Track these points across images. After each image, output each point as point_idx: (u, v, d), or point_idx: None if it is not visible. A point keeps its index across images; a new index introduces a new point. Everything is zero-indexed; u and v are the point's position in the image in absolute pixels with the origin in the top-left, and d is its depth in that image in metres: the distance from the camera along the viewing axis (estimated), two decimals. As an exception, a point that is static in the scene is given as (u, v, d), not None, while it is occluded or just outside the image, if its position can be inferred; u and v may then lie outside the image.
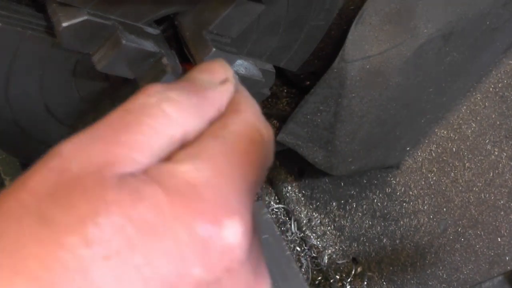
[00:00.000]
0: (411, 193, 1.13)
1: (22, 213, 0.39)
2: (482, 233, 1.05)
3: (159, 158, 0.44)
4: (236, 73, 0.74)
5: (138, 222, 0.39)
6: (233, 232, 0.41)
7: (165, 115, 0.45)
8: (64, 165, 0.41)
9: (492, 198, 1.05)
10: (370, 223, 1.17)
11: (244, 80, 0.74)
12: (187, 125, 0.46)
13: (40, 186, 0.40)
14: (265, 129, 0.49)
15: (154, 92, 0.46)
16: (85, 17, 0.61)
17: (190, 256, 0.40)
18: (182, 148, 0.45)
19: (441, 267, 1.09)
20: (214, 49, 0.67)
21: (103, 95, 0.74)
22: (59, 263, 0.37)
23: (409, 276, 1.13)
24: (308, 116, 1.01)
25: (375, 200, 1.16)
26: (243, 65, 0.76)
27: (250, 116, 0.48)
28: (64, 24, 0.60)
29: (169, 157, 0.44)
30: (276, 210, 1.21)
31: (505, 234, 1.03)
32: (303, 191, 1.25)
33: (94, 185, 0.40)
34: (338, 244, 1.22)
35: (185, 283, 0.40)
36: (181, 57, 0.70)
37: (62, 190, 0.40)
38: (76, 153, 0.42)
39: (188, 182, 0.42)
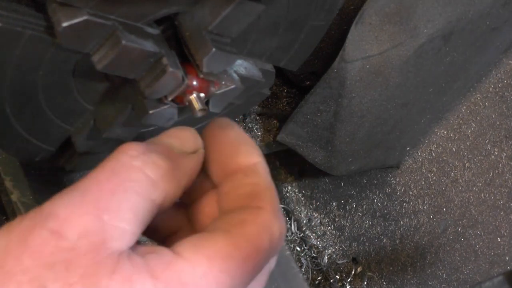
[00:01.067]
0: (411, 193, 1.13)
1: (22, 278, 0.41)
2: (482, 233, 1.05)
3: (143, 224, 0.45)
4: (236, 73, 0.73)
5: None
6: None
7: (149, 180, 0.46)
8: (61, 231, 0.42)
9: (492, 198, 1.05)
10: (370, 223, 1.17)
11: (244, 80, 0.74)
12: (167, 191, 0.47)
13: (39, 251, 0.42)
14: (278, 229, 0.49)
15: (136, 153, 0.47)
16: (85, 17, 0.61)
17: None
18: (188, 235, 0.46)
19: (441, 267, 1.09)
20: (214, 49, 0.67)
21: (103, 95, 0.74)
22: None
23: (409, 276, 1.13)
24: (308, 116, 1.01)
25: (375, 200, 1.16)
26: (243, 65, 0.76)
27: (269, 216, 0.48)
28: (64, 24, 0.60)
29: (171, 242, 0.46)
30: (276, 210, 1.21)
31: (505, 234, 1.03)
32: (303, 191, 1.25)
33: (90, 263, 0.42)
34: (338, 244, 1.22)
35: None
36: (181, 57, 0.70)
37: (61, 261, 0.42)
38: (71, 218, 0.43)
39: (179, 280, 0.43)
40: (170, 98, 0.68)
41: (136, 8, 0.65)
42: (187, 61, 0.69)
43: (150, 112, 0.69)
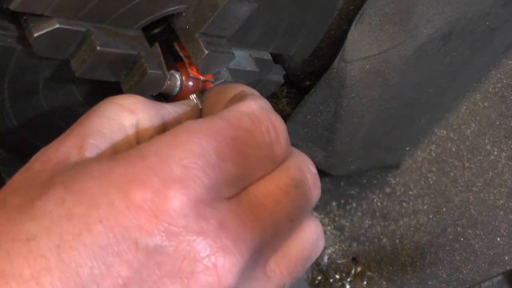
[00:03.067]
0: (411, 193, 1.13)
1: None
2: (481, 233, 1.05)
3: (114, 143, 0.47)
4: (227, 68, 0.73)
5: (78, 193, 0.42)
6: (169, 199, 0.42)
7: (115, 105, 0.48)
8: (29, 166, 0.47)
9: (492, 198, 1.05)
10: (370, 223, 1.17)
11: (234, 73, 0.73)
12: (139, 113, 0.49)
13: (9, 185, 0.46)
14: (267, 117, 0.48)
15: (114, 95, 0.50)
16: (56, 26, 0.61)
17: (126, 222, 0.41)
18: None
19: (440, 267, 1.09)
20: (206, 52, 0.67)
21: (103, 95, 0.74)
22: (8, 237, 0.41)
23: (409, 276, 1.13)
24: (308, 116, 1.01)
25: (375, 200, 1.17)
26: (235, 61, 0.75)
27: (248, 102, 0.48)
28: (36, 34, 0.61)
29: None
30: (276, 210, 1.21)
31: (505, 234, 1.03)
32: (303, 191, 1.24)
33: (48, 175, 0.44)
34: (338, 244, 1.22)
35: (124, 248, 0.41)
36: (175, 57, 0.70)
37: (24, 183, 0.45)
38: (39, 155, 0.47)
39: (137, 152, 0.44)
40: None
41: (124, 15, 0.65)
42: (180, 61, 0.70)
43: None
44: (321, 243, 0.51)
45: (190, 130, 0.44)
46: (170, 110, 0.52)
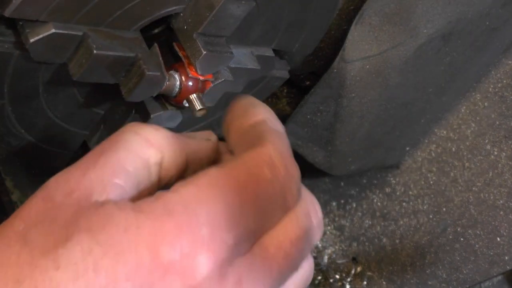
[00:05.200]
0: (410, 193, 1.13)
1: (12, 237, 0.43)
2: (481, 232, 1.05)
3: (137, 182, 0.46)
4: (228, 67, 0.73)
5: (105, 246, 0.41)
6: (197, 264, 0.42)
7: (141, 138, 0.47)
8: (49, 195, 0.45)
9: (492, 198, 1.05)
10: (370, 223, 1.17)
11: (235, 71, 0.73)
12: (164, 151, 0.47)
13: (28, 214, 0.44)
14: (283, 164, 0.47)
15: (135, 123, 0.48)
16: (52, 31, 0.61)
17: (152, 281, 0.41)
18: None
19: (440, 267, 1.09)
20: (204, 52, 0.67)
21: (104, 96, 0.74)
22: (31, 283, 0.40)
23: (409, 276, 1.13)
24: (308, 116, 1.01)
25: (375, 200, 1.17)
26: (236, 59, 0.75)
27: (269, 150, 0.48)
28: (32, 40, 0.61)
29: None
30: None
31: (505, 234, 1.03)
32: (303, 191, 1.24)
33: (72, 214, 0.43)
34: (338, 244, 1.22)
35: None
36: (176, 57, 0.70)
37: (46, 218, 0.43)
38: (59, 183, 0.45)
39: (164, 206, 0.43)
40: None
41: (121, 17, 0.65)
42: (179, 61, 0.69)
43: (152, 116, 0.69)
44: (312, 275, 0.51)
45: (216, 185, 0.44)
46: (193, 148, 0.51)
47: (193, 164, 0.50)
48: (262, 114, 0.51)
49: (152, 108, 0.69)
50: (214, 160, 0.53)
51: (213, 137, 0.54)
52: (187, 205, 0.43)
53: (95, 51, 0.62)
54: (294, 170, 0.48)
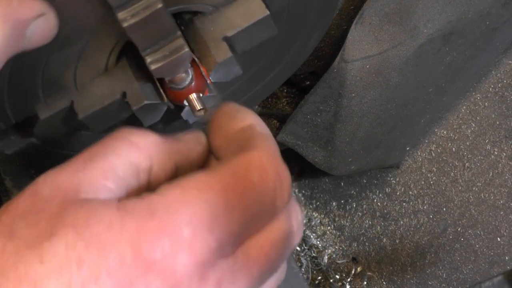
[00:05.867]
0: (411, 193, 1.13)
1: None
2: (481, 233, 1.05)
3: (126, 186, 0.47)
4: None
5: (89, 240, 0.42)
6: (177, 263, 0.42)
7: (131, 145, 0.48)
8: (37, 190, 0.46)
9: (492, 198, 1.05)
10: (370, 223, 1.17)
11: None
12: (153, 158, 0.48)
13: (16, 208, 0.45)
14: (274, 168, 0.47)
15: (125, 129, 0.49)
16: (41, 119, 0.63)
17: (132, 277, 0.42)
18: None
19: (440, 267, 1.09)
20: (231, 55, 0.67)
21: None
22: (15, 276, 0.41)
23: (409, 276, 1.13)
24: (308, 116, 1.01)
25: (375, 200, 1.17)
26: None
27: (257, 154, 0.47)
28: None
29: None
30: (276, 210, 1.21)
31: (505, 234, 1.03)
32: (303, 191, 1.25)
33: (58, 208, 0.44)
34: (338, 244, 1.22)
35: None
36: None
37: (32, 211, 0.44)
38: (47, 179, 0.46)
39: (148, 206, 0.44)
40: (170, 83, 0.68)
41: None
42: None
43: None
44: (284, 275, 0.52)
45: (201, 187, 0.44)
46: (183, 153, 0.51)
47: (182, 167, 0.51)
48: (249, 119, 0.52)
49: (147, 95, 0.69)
50: (204, 162, 0.53)
51: (203, 139, 0.54)
52: (170, 206, 0.43)
53: (159, 5, 0.61)
54: (285, 174, 0.48)
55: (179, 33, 0.64)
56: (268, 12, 0.68)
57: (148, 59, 0.63)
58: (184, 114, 0.71)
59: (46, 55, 0.59)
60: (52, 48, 0.60)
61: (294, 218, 0.50)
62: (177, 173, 0.51)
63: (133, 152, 0.47)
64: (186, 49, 0.63)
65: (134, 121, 0.73)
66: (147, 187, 0.49)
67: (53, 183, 0.46)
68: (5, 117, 0.63)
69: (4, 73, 0.58)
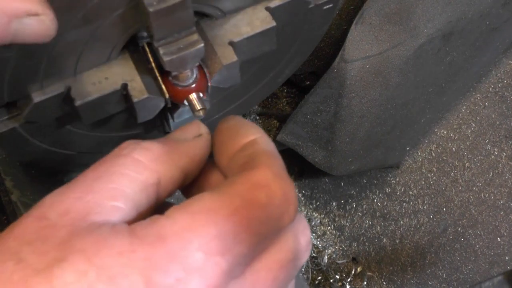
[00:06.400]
0: (411, 193, 1.13)
1: (5, 254, 0.43)
2: (481, 233, 1.05)
3: (136, 204, 0.46)
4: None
5: (100, 268, 0.41)
6: (190, 287, 0.42)
7: (136, 162, 0.47)
8: (44, 214, 0.45)
9: (492, 198, 1.05)
10: (370, 223, 1.17)
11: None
12: (160, 171, 0.48)
13: (23, 232, 0.44)
14: (280, 187, 0.47)
15: (127, 144, 0.48)
16: (34, 102, 0.63)
17: None
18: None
19: (441, 267, 1.09)
20: (237, 59, 0.68)
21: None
22: None
23: (409, 276, 1.13)
24: (308, 116, 1.01)
25: (375, 200, 1.17)
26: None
27: (264, 174, 0.47)
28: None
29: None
30: (276, 210, 1.21)
31: (505, 234, 1.03)
32: (303, 191, 1.25)
33: (67, 234, 0.43)
34: (338, 244, 1.22)
35: None
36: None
37: (40, 237, 0.43)
38: (54, 203, 0.45)
39: (158, 232, 0.43)
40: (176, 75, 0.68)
41: None
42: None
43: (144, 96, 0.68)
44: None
45: (209, 212, 0.44)
46: (188, 156, 0.51)
47: (190, 170, 0.51)
48: (252, 135, 0.51)
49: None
50: (208, 154, 0.53)
51: (203, 129, 0.54)
52: (180, 232, 0.43)
53: (76, 103, 0.63)
54: (291, 191, 0.48)
55: (194, 28, 0.64)
56: (274, 23, 0.68)
57: (162, 50, 0.63)
58: (176, 114, 0.71)
59: (61, 30, 0.59)
60: (69, 24, 0.59)
61: (302, 235, 0.50)
62: (186, 178, 0.51)
63: (139, 169, 0.47)
64: (202, 44, 0.64)
65: (126, 117, 0.74)
66: (157, 200, 0.48)
67: (61, 207, 0.45)
68: (0, 93, 0.63)
69: (13, 46, 0.58)
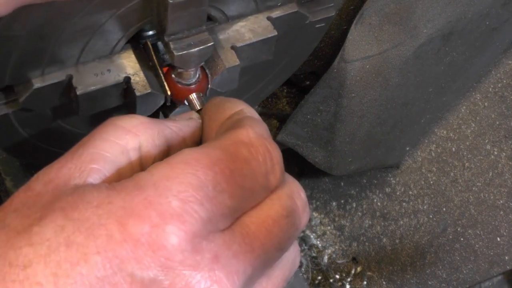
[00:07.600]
0: (410, 193, 1.13)
1: None
2: (481, 232, 1.05)
3: (117, 167, 0.47)
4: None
5: (77, 222, 0.42)
6: (167, 234, 0.42)
7: (117, 128, 0.49)
8: (30, 186, 0.46)
9: (492, 198, 1.05)
10: (370, 223, 1.17)
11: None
12: (141, 136, 0.49)
13: (10, 204, 0.46)
14: (262, 144, 0.48)
15: (113, 117, 0.50)
16: (34, 87, 0.63)
17: (123, 254, 0.42)
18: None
19: (440, 267, 1.09)
20: (238, 62, 0.69)
21: None
22: (5, 261, 0.42)
23: (409, 276, 1.13)
24: (308, 116, 1.01)
25: (375, 200, 1.17)
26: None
27: (245, 131, 0.48)
28: (20, 100, 0.64)
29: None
30: (276, 210, 1.21)
31: (505, 233, 1.03)
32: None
33: (49, 198, 0.44)
34: (338, 244, 1.22)
35: (120, 280, 0.42)
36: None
37: (25, 204, 0.45)
38: (40, 175, 0.47)
39: (136, 183, 0.44)
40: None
41: None
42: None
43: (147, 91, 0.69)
44: (298, 260, 0.52)
45: (188, 162, 0.45)
46: (173, 129, 0.52)
47: (175, 145, 0.51)
48: (238, 107, 0.53)
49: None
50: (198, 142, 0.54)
51: (195, 115, 0.54)
52: (157, 181, 0.44)
53: (78, 92, 0.63)
54: (275, 151, 0.49)
55: (205, 27, 0.64)
56: (276, 33, 0.70)
57: (172, 45, 0.63)
58: (172, 115, 0.72)
59: (74, 13, 0.59)
60: (84, 9, 0.60)
61: (298, 197, 0.50)
62: (170, 151, 0.51)
63: (119, 134, 0.48)
64: (212, 43, 0.64)
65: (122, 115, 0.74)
66: (141, 167, 0.49)
67: (45, 177, 0.46)
68: (1, 75, 0.63)
69: (25, 25, 0.58)
